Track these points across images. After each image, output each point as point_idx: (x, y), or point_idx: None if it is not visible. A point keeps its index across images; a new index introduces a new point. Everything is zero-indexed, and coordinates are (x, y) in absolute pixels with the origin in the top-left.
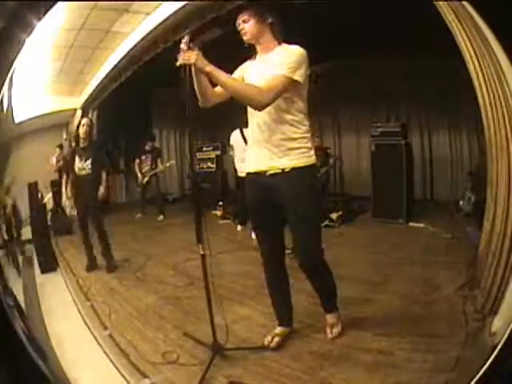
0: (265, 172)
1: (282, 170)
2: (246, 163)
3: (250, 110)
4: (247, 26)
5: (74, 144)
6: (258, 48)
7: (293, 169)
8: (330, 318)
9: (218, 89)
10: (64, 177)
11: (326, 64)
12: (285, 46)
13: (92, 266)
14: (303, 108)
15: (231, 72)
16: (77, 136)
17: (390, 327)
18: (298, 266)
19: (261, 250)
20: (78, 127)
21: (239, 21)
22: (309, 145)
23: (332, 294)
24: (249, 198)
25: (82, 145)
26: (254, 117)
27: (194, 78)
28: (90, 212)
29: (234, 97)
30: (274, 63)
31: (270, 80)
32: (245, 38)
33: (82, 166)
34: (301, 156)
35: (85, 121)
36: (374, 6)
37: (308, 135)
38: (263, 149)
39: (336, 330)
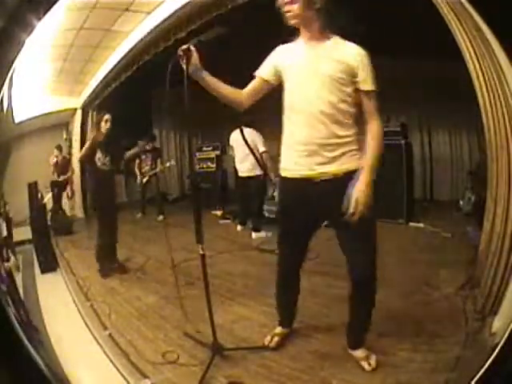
0: (312, 179)
1: (334, 175)
2: (284, 168)
3: (290, 109)
4: (295, 7)
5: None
6: (305, 34)
7: (345, 174)
8: (361, 352)
9: (250, 91)
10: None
11: None
12: (341, 40)
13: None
14: (354, 111)
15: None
16: (99, 131)
17: (390, 327)
18: (351, 278)
19: (281, 256)
20: (98, 123)
21: (284, 0)
22: (357, 147)
23: (366, 324)
24: (285, 205)
25: (103, 140)
26: (299, 117)
27: (210, 87)
28: (108, 208)
29: None
30: (335, 59)
31: (372, 108)
32: (290, 21)
33: (103, 160)
34: (352, 159)
35: (108, 116)
36: (374, 6)
37: (355, 138)
38: (311, 153)
39: (373, 360)
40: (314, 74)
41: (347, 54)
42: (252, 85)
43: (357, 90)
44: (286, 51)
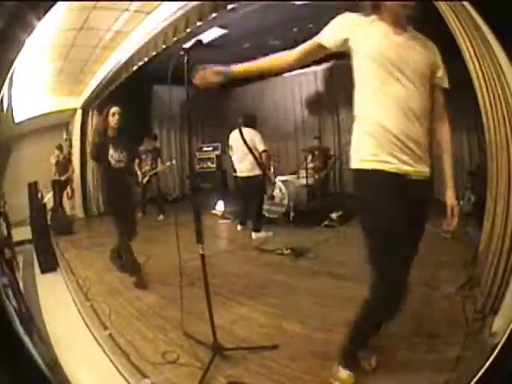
0: (408, 175)
1: (425, 177)
2: (380, 159)
3: (381, 96)
4: None
5: (99, 137)
6: (392, 19)
7: (431, 177)
8: (362, 352)
9: (303, 53)
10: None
11: (325, 64)
12: (417, 33)
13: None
14: None
15: None
16: (106, 127)
17: (390, 327)
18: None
19: (386, 270)
20: (106, 118)
21: None
22: None
23: (378, 326)
24: (383, 203)
25: (114, 135)
26: (396, 109)
27: (252, 73)
28: (127, 207)
29: None
30: (420, 51)
31: (444, 108)
32: (407, 10)
33: (119, 157)
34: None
35: (114, 109)
36: None
37: None
38: (411, 149)
39: (373, 360)
40: (406, 65)
41: (429, 48)
42: (307, 48)
43: (433, 87)
44: (362, 29)
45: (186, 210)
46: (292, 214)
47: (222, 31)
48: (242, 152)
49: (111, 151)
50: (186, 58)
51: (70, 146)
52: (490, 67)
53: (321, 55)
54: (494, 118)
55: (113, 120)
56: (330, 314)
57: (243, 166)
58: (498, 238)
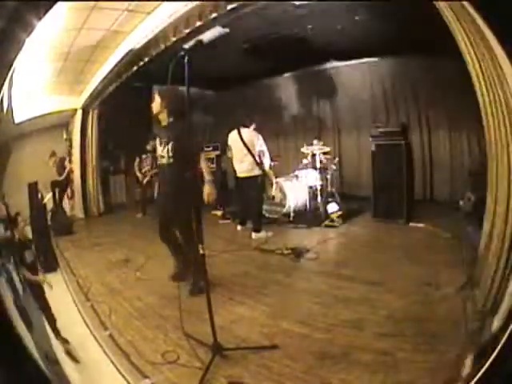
0: None
1: None
2: None
3: None
4: None
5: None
6: None
7: None
8: None
9: None
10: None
11: (326, 64)
12: None
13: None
14: None
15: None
16: (156, 116)
17: (390, 327)
18: None
19: None
20: (152, 106)
21: None
22: None
23: None
24: None
25: (162, 124)
26: None
27: None
28: (179, 214)
29: None
30: None
31: None
32: None
33: (161, 152)
34: None
35: (158, 91)
36: (375, 6)
37: None
38: None
39: None
40: None
41: None
42: None
43: None
44: None
45: None
46: (292, 214)
47: (222, 31)
48: (242, 152)
49: (157, 144)
50: (186, 58)
51: (70, 146)
52: (490, 67)
53: None
54: (494, 117)
55: (156, 107)
56: (330, 313)
57: (243, 166)
58: (498, 238)
